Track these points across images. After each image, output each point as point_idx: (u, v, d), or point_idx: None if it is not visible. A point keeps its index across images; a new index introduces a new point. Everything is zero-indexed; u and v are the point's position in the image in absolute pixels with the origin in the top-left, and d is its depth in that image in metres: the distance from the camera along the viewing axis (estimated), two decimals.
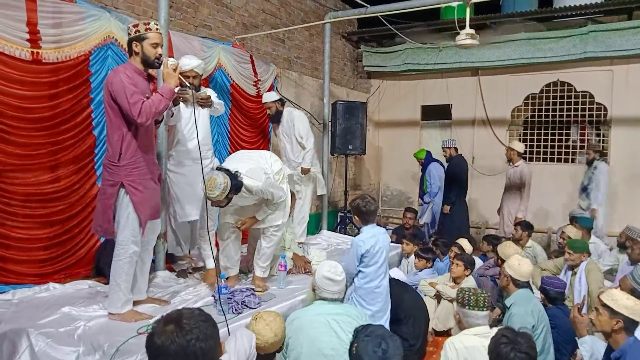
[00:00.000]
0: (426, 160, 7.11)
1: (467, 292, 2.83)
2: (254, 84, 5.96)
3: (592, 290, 3.96)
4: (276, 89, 6.51)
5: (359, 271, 3.25)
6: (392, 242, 5.99)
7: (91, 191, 4.16)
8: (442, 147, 6.74)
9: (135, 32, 2.90)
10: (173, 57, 4.51)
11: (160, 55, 2.97)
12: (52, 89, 3.83)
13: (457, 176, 6.44)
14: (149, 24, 2.95)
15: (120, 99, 2.79)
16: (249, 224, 3.70)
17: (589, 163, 6.33)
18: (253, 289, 3.54)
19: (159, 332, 1.45)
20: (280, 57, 6.83)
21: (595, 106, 7.34)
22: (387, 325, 3.27)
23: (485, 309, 2.77)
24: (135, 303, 3.18)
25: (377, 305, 3.25)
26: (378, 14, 5.97)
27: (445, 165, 6.85)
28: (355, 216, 3.36)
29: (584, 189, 6.31)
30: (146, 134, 3.03)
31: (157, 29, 2.96)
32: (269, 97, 5.39)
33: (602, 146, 7.22)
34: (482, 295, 2.81)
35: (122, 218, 2.96)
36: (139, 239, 3.02)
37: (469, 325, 2.78)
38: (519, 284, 3.30)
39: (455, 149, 6.71)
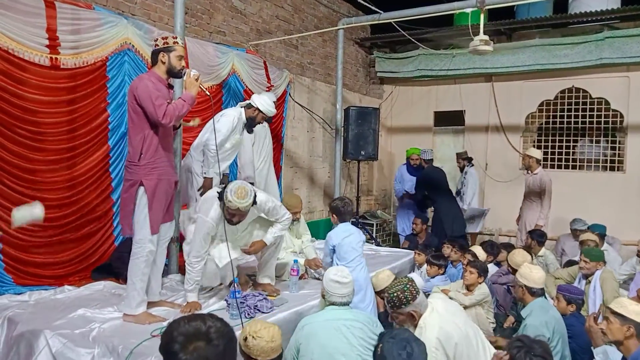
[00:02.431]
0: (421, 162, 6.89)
1: (408, 287, 2.60)
2: (267, 89, 6.00)
3: (607, 300, 3.90)
4: (289, 94, 6.55)
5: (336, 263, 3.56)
6: (405, 248, 6.04)
7: (106, 194, 4.22)
8: (421, 158, 6.77)
9: (164, 44, 3.09)
10: (188, 63, 4.61)
11: (184, 66, 3.17)
12: (70, 94, 3.90)
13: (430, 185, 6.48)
14: (176, 38, 3.17)
15: (146, 103, 2.94)
16: (258, 246, 3.54)
17: (461, 170, 7.14)
18: (264, 294, 3.54)
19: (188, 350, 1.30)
20: (294, 62, 6.87)
21: (611, 113, 7.26)
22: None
23: (420, 291, 2.66)
24: (148, 305, 3.20)
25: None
26: (391, 20, 5.98)
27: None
28: (334, 215, 3.87)
29: (458, 193, 6.97)
30: (165, 137, 3.16)
31: (181, 44, 3.21)
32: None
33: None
34: (409, 282, 2.65)
35: (140, 217, 3.04)
36: (155, 238, 3.09)
37: (424, 311, 2.62)
38: (534, 292, 3.26)
39: (427, 160, 6.66)
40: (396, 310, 2.63)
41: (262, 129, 5.17)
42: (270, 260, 3.74)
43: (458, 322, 2.61)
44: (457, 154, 7.37)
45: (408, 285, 2.62)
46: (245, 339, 2.25)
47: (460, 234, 6.05)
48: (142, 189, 3.02)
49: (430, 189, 6.46)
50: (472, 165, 7.13)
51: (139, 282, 3.06)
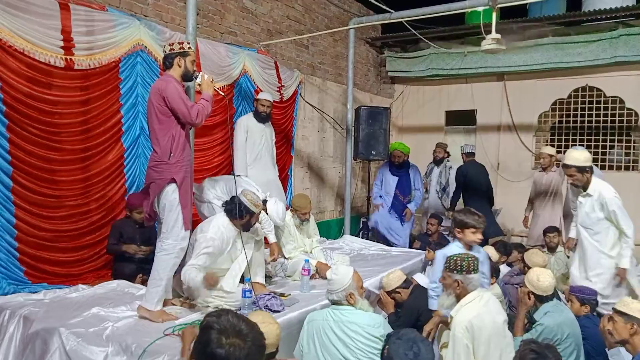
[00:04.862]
0: (408, 158, 6.34)
1: (467, 259, 2.72)
2: (278, 89, 6.02)
3: None
4: (300, 94, 6.56)
5: None
6: (416, 248, 6.01)
7: (120, 195, 4.26)
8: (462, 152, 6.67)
9: (180, 49, 3.20)
10: (200, 63, 4.65)
11: (195, 70, 3.31)
12: (84, 95, 3.94)
13: (462, 183, 6.34)
14: (189, 43, 3.33)
15: (177, 104, 3.04)
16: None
17: (438, 162, 6.87)
18: (275, 293, 3.56)
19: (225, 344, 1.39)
20: (304, 62, 6.87)
21: (625, 112, 7.17)
22: None
23: (478, 271, 2.77)
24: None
25: None
26: (402, 19, 5.95)
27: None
28: (457, 229, 3.26)
29: (444, 189, 6.78)
30: (187, 136, 3.27)
31: (194, 49, 3.39)
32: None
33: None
34: (471, 259, 2.75)
35: (172, 214, 3.10)
36: (187, 235, 3.17)
37: (470, 290, 2.69)
38: (542, 299, 3.21)
39: (467, 154, 6.54)
40: (447, 271, 2.76)
41: (258, 131, 5.15)
42: (260, 258, 3.78)
43: (498, 320, 2.64)
44: (438, 144, 7.07)
45: (469, 259, 2.72)
46: None
47: (494, 236, 5.84)
48: (173, 185, 3.10)
49: (463, 187, 6.29)
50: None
51: (166, 278, 3.12)
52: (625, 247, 3.80)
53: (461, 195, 6.47)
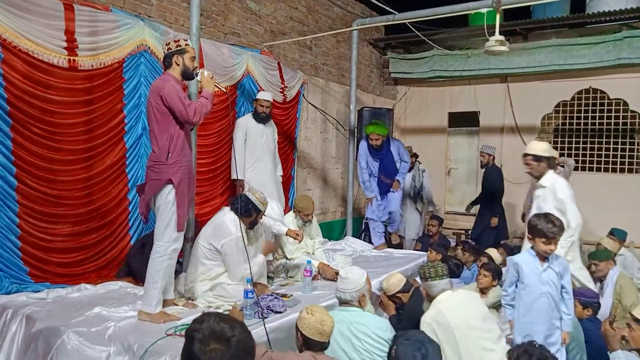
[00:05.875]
0: (387, 138, 5.90)
1: (426, 267, 2.92)
2: (281, 90, 6.02)
3: (626, 306, 3.84)
4: (303, 95, 6.56)
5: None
6: (417, 250, 6.01)
7: (123, 195, 4.27)
8: (481, 152, 6.65)
9: (176, 47, 3.17)
10: (204, 64, 4.66)
11: (196, 67, 3.27)
12: (87, 95, 3.95)
13: (494, 186, 6.38)
14: (187, 40, 3.30)
15: (175, 103, 3.02)
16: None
17: (411, 168, 6.80)
18: (277, 294, 3.56)
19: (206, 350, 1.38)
20: (307, 63, 6.88)
21: (629, 114, 7.15)
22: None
23: (445, 277, 2.87)
24: (162, 303, 3.23)
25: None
26: (406, 21, 5.95)
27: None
28: (529, 234, 2.97)
29: (418, 193, 6.89)
30: (186, 136, 3.25)
31: (192, 45, 3.34)
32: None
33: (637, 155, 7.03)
34: (440, 265, 2.92)
35: (166, 216, 3.09)
36: (181, 236, 3.17)
37: (435, 295, 2.85)
38: None
39: (494, 157, 6.57)
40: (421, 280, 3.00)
41: (258, 132, 5.15)
42: (262, 259, 3.79)
43: (465, 313, 2.75)
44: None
45: (426, 268, 2.91)
46: (303, 312, 2.39)
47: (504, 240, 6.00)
48: (170, 186, 3.08)
49: (491, 190, 6.37)
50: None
51: (161, 280, 3.10)
52: (566, 238, 3.72)
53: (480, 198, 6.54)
